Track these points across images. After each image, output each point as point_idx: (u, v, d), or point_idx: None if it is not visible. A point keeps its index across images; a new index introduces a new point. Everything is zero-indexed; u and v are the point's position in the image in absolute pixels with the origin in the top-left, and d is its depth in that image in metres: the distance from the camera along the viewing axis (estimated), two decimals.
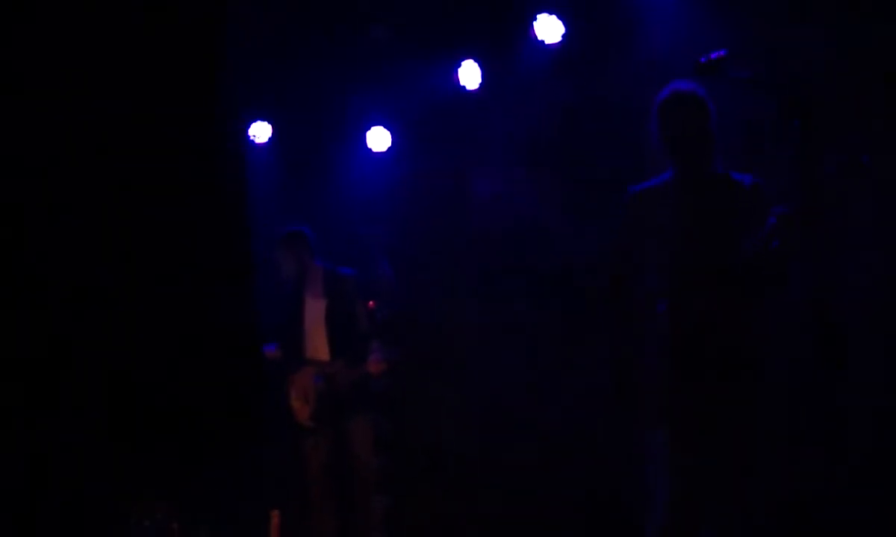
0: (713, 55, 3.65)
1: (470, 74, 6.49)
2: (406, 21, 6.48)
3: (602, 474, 5.78)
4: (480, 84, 6.50)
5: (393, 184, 6.89)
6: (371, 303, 6.35)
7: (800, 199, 3.49)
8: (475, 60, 6.49)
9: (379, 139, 6.92)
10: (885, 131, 4.39)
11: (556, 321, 6.03)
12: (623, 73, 5.72)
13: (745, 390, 3.90)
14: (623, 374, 4.08)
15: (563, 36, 6.15)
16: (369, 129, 6.92)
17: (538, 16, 6.15)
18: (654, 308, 3.97)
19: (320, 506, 6.03)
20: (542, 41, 6.19)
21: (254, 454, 4.86)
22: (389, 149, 6.94)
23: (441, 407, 6.51)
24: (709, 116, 4.00)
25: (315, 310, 6.14)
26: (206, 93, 1.95)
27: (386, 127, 6.91)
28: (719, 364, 3.86)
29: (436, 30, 6.45)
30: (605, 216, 4.40)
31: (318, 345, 6.12)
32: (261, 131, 7.03)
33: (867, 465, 4.67)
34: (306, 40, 6.66)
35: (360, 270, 6.29)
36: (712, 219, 3.96)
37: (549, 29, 6.16)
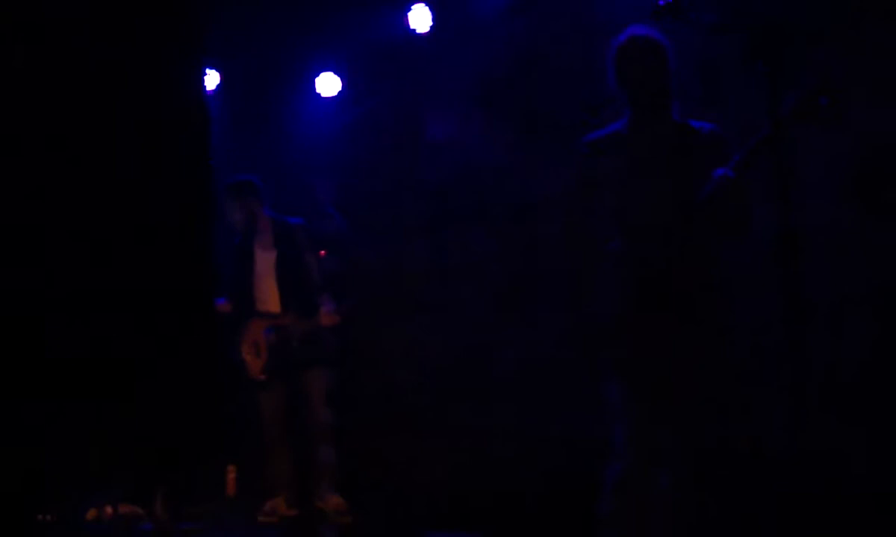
0: None
1: (420, 18, 6.39)
2: None
3: (559, 416, 5.78)
4: (431, 27, 6.41)
5: (343, 129, 6.79)
6: (322, 252, 6.29)
7: (763, 143, 3.48)
8: (425, 3, 6.39)
9: (328, 84, 6.82)
10: (845, 72, 4.38)
11: (511, 263, 6.01)
12: (577, 12, 5.65)
13: (702, 334, 3.90)
14: (583, 322, 4.07)
15: None
16: (318, 74, 6.81)
17: None
18: (609, 256, 3.95)
19: (275, 458, 6.01)
20: None
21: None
22: (339, 93, 6.84)
23: (395, 354, 6.48)
24: (667, 63, 3.96)
25: (264, 262, 6.07)
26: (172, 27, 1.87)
27: (335, 72, 6.81)
28: (674, 309, 3.86)
29: None
30: (560, 158, 4.37)
31: (268, 297, 6.05)
32: (208, 78, 6.90)
33: (829, 413, 4.70)
34: None
35: (310, 219, 6.21)
36: (668, 166, 3.93)
37: None
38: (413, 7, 6.40)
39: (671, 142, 3.97)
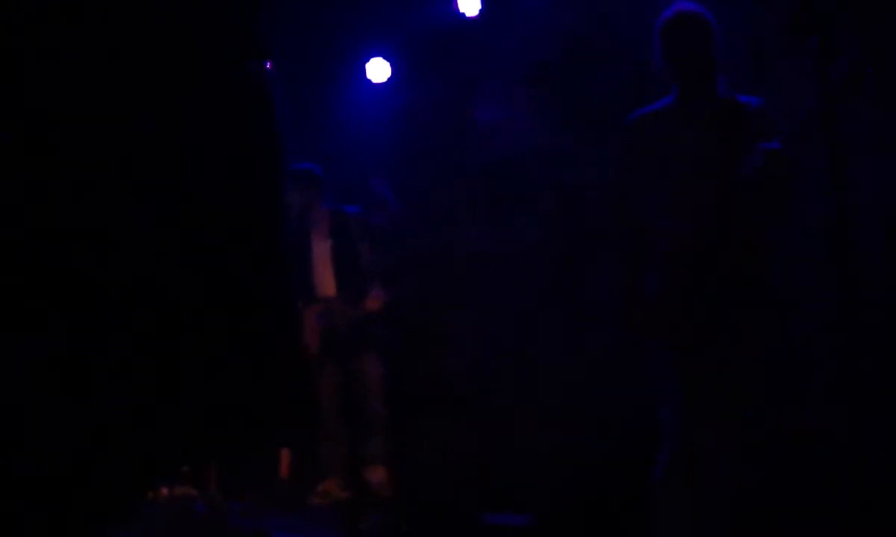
0: None
1: (470, 1, 6.39)
2: None
3: (609, 405, 5.76)
4: (480, 10, 6.41)
5: (393, 114, 6.82)
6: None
7: (813, 115, 3.44)
8: None
9: (378, 70, 6.84)
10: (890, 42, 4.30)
11: (559, 248, 6.00)
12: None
13: (751, 314, 3.87)
14: (633, 301, 4.04)
15: None
16: (368, 59, 6.84)
17: None
18: (658, 235, 3.93)
19: (329, 441, 6.06)
20: None
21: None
22: (389, 79, 6.86)
23: (444, 339, 6.50)
24: (713, 38, 3.92)
25: (321, 251, 6.15)
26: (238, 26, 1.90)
27: (385, 57, 6.83)
28: (723, 288, 3.83)
29: None
30: (608, 141, 4.35)
31: (326, 284, 6.13)
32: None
33: (880, 400, 4.63)
34: None
35: (363, 207, 6.26)
36: (716, 143, 3.90)
37: None
38: None
39: (718, 117, 3.94)
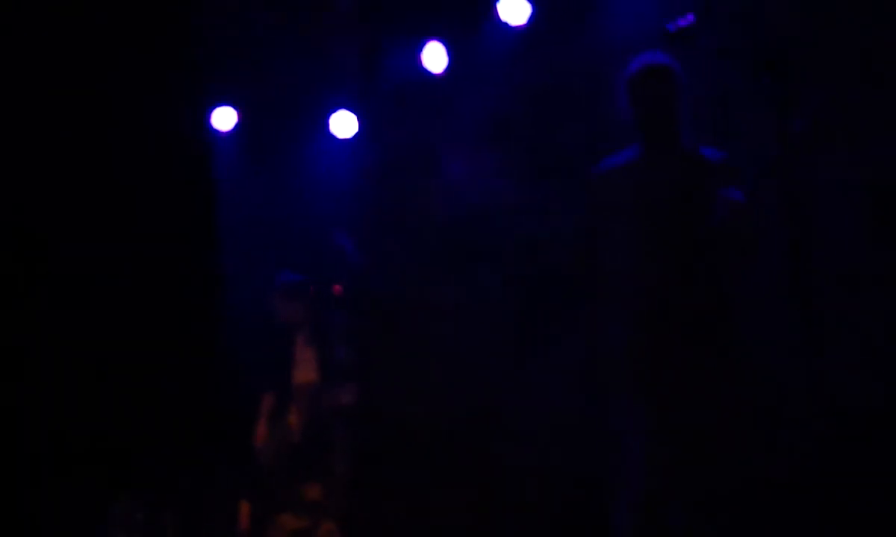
0: (681, 22, 3.61)
1: (435, 57, 6.45)
2: (369, 3, 6.44)
3: (573, 450, 5.76)
4: (446, 67, 6.46)
5: (357, 169, 6.84)
6: (337, 288, 6.30)
7: (772, 163, 3.48)
8: (441, 42, 6.44)
9: (344, 124, 6.85)
10: (853, 89, 4.38)
11: (524, 298, 6.02)
12: (589, 51, 5.71)
13: (717, 363, 3.89)
14: (596, 352, 4.06)
15: (529, 17, 6.13)
16: (334, 112, 6.85)
17: None
18: (623, 285, 3.95)
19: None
20: (508, 23, 6.16)
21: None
22: (355, 134, 6.89)
23: (407, 392, 6.47)
24: (680, 90, 3.98)
25: (305, 353, 6.12)
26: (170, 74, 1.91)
27: (352, 110, 6.85)
28: (688, 338, 3.85)
29: (400, 10, 6.41)
30: (573, 194, 4.39)
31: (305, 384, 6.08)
32: (225, 118, 6.95)
33: (848, 446, 4.66)
34: (272, 26, 6.60)
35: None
36: (680, 195, 3.93)
37: (514, 10, 6.13)
38: (426, 45, 6.43)
39: (682, 170, 3.98)
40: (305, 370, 6.08)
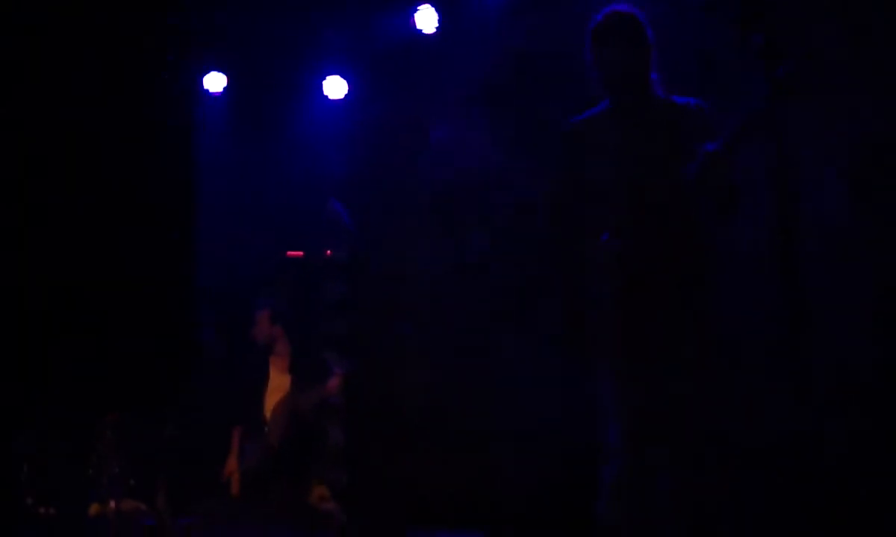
0: None
1: (427, 18, 6.42)
2: None
3: (565, 423, 5.75)
4: (437, 28, 6.43)
5: (350, 131, 6.83)
6: (328, 252, 6.32)
7: (753, 116, 3.44)
8: (431, 4, 6.42)
9: (335, 87, 6.85)
10: (836, 41, 4.33)
11: (514, 261, 6.01)
12: (580, 13, 5.66)
13: (695, 315, 3.83)
14: (572, 306, 4.00)
15: None
16: (325, 77, 6.84)
17: None
18: (598, 237, 3.87)
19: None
20: None
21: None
22: (346, 96, 6.87)
23: (398, 356, 6.48)
24: (644, 39, 3.86)
25: (278, 382, 6.14)
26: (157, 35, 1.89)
27: (342, 74, 6.84)
28: (664, 293, 3.77)
29: None
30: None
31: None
32: (215, 81, 6.95)
33: (829, 409, 4.65)
34: None
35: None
36: (652, 145, 3.84)
37: None
38: (420, 7, 6.41)
39: (655, 119, 3.89)
40: (278, 393, 6.10)
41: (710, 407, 3.81)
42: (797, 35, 3.77)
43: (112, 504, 5.72)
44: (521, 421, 5.87)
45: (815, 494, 3.77)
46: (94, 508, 5.73)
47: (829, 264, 4.65)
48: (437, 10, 6.43)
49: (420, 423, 6.30)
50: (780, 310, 3.63)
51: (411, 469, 6.20)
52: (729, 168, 3.60)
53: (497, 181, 6.15)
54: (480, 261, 6.11)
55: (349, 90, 6.86)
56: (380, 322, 6.48)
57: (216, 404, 6.14)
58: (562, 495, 5.42)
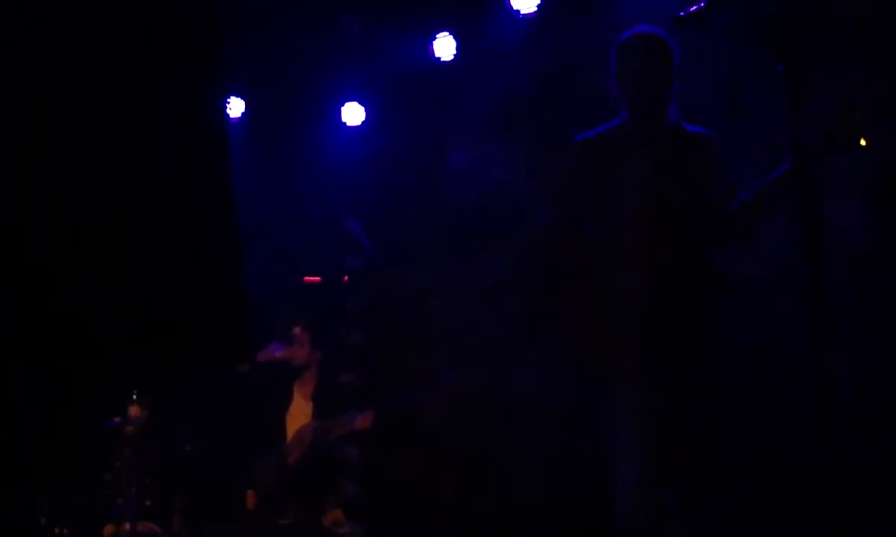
0: (692, 8, 3.58)
1: (445, 46, 6.45)
2: None
3: (584, 443, 5.73)
4: (455, 55, 6.46)
5: (368, 157, 6.85)
6: (345, 277, 6.32)
7: (784, 176, 3.44)
8: (450, 32, 6.45)
9: (353, 113, 6.87)
10: (865, 81, 4.35)
11: (534, 284, 6.01)
12: (599, 39, 5.69)
13: (708, 347, 3.82)
14: (583, 338, 3.95)
15: (539, 5, 6.13)
16: (343, 103, 6.87)
17: None
18: (608, 262, 3.86)
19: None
20: (517, 11, 6.17)
21: None
22: (363, 123, 6.90)
23: (417, 377, 6.47)
24: (671, 64, 3.88)
25: (301, 409, 6.09)
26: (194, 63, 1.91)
27: (360, 101, 6.87)
28: (674, 316, 3.77)
29: (410, 2, 6.42)
30: None
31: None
32: (233, 107, 6.98)
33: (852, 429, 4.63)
34: (280, 15, 6.60)
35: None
36: (669, 172, 3.84)
37: None
38: (438, 36, 6.45)
39: (671, 145, 3.89)
40: (301, 418, 6.05)
41: (726, 441, 3.80)
42: (821, 63, 3.77)
43: (127, 526, 5.71)
44: (546, 440, 5.87)
45: (840, 519, 3.75)
46: (108, 529, 5.72)
47: (855, 288, 4.65)
48: (454, 34, 6.45)
49: (434, 444, 6.29)
50: (802, 331, 3.62)
51: (429, 495, 6.19)
52: (759, 218, 3.61)
53: (516, 202, 6.16)
54: (499, 284, 6.11)
55: (367, 116, 6.88)
56: (398, 345, 6.48)
57: (235, 424, 6.12)
58: (588, 515, 5.42)
